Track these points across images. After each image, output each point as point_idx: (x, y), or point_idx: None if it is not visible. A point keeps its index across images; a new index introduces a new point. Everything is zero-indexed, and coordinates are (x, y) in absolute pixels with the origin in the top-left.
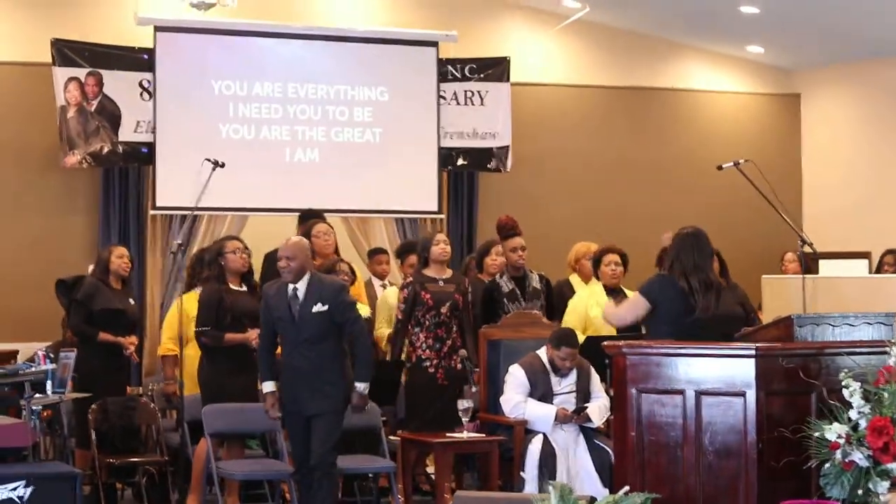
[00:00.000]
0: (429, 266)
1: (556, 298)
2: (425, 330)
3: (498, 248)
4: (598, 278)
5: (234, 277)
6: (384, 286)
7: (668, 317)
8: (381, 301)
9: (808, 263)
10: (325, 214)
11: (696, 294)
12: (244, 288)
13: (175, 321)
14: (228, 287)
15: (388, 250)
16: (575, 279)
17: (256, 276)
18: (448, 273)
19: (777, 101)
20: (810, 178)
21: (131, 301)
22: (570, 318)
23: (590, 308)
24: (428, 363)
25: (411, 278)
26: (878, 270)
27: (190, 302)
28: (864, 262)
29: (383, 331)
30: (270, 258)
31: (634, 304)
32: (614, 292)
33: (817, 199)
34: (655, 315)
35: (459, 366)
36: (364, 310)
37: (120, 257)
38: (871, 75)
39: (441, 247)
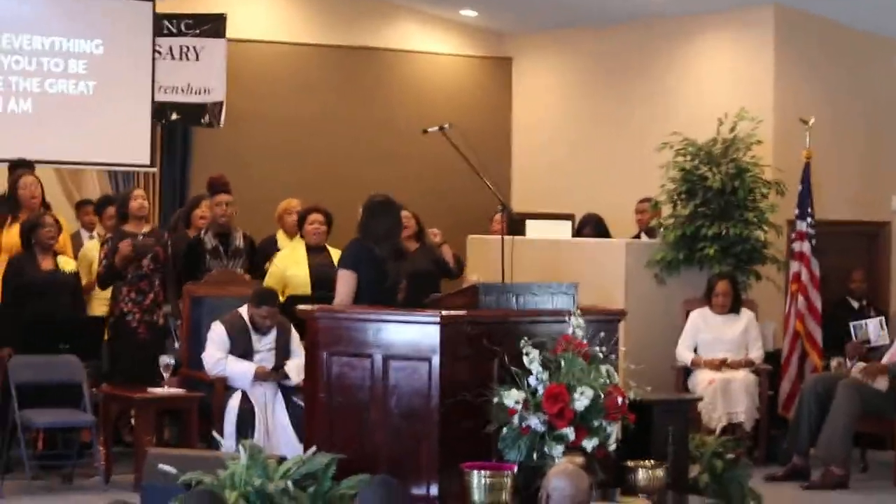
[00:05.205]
0: (128, 221)
1: (259, 256)
2: (127, 284)
3: (206, 204)
4: (302, 237)
5: None
6: (92, 237)
7: (364, 284)
8: (81, 255)
9: (515, 225)
10: (37, 165)
11: (387, 261)
12: None
13: None
14: None
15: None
16: (281, 235)
17: None
18: (147, 227)
19: (489, 65)
20: (520, 141)
21: None
22: (270, 280)
23: (287, 268)
24: (130, 317)
25: (111, 234)
26: (579, 233)
27: None
28: (569, 223)
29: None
30: None
31: (345, 282)
32: (317, 251)
33: (527, 161)
34: None
35: (162, 320)
36: (69, 263)
37: None
38: (577, 43)
39: (139, 202)
